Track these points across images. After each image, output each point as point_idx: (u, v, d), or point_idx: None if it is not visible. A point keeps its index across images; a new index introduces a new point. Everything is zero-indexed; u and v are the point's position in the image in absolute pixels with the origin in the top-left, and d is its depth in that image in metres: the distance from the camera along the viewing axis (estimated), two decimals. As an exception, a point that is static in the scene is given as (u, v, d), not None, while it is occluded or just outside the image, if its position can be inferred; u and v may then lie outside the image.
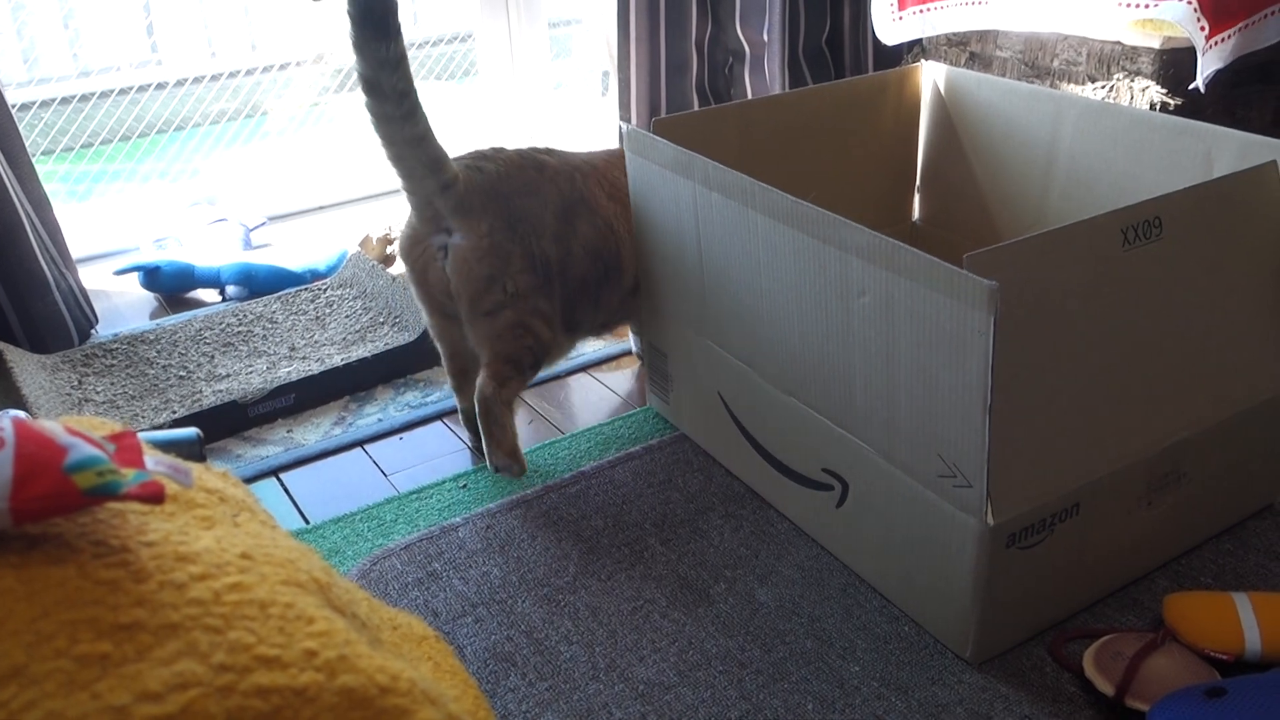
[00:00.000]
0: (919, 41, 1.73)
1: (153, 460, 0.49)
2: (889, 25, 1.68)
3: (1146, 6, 1.34)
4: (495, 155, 1.20)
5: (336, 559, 1.10)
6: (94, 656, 0.41)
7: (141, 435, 0.63)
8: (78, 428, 0.50)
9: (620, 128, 1.23)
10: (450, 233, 1.15)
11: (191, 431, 0.79)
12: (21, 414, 1.18)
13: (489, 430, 1.19)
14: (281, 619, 0.45)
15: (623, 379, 1.43)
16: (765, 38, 2.03)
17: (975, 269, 0.80)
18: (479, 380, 1.19)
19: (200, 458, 0.70)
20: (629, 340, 1.51)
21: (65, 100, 2.70)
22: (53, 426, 0.46)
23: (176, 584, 0.44)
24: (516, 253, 1.16)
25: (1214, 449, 0.98)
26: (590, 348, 1.50)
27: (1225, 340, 0.97)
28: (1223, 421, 0.96)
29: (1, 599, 0.41)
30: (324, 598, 0.52)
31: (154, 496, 0.45)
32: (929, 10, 1.61)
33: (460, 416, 1.32)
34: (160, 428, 1.27)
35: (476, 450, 1.28)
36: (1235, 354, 0.98)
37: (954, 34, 1.65)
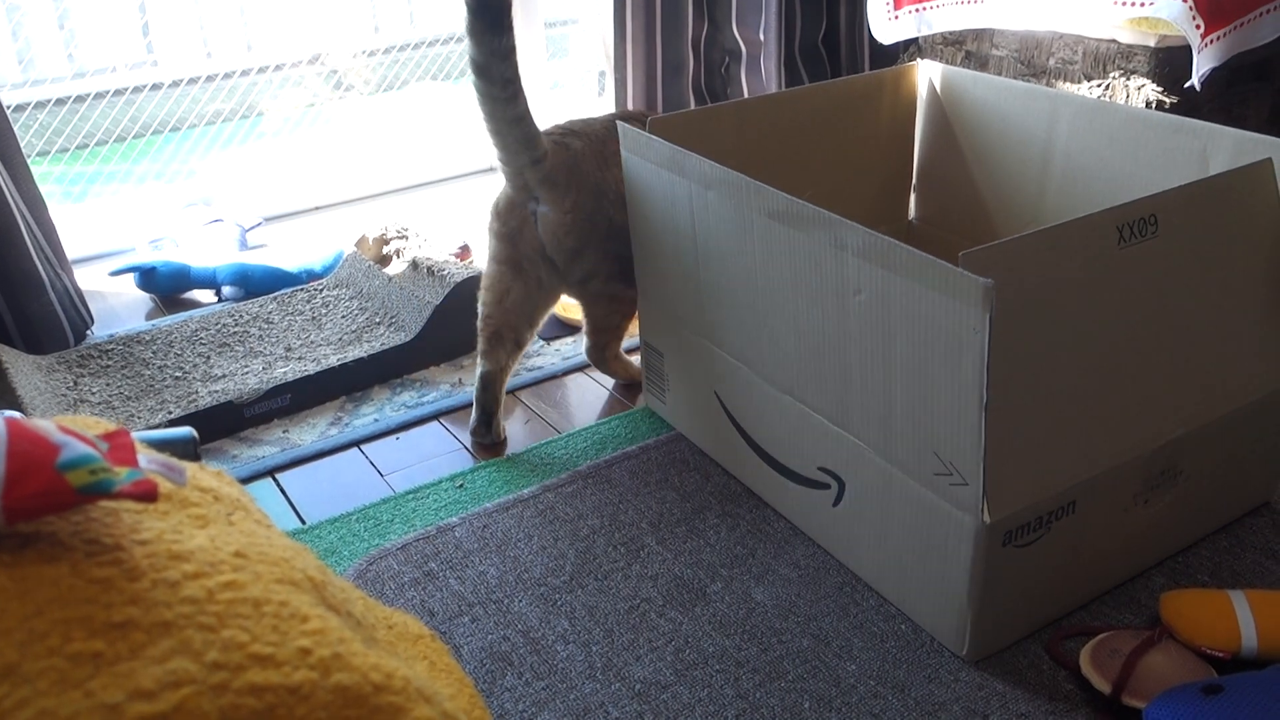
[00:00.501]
0: (915, 40, 1.73)
1: (146, 459, 0.49)
2: (885, 24, 1.68)
3: (1142, 5, 1.34)
4: (584, 130, 1.28)
5: (333, 559, 1.10)
6: (87, 655, 0.41)
7: (136, 435, 0.63)
8: (71, 426, 0.50)
9: (618, 126, 1.22)
10: (539, 202, 1.24)
11: (186, 431, 0.79)
12: (15, 414, 1.18)
13: (614, 374, 1.41)
14: (275, 617, 0.45)
15: (619, 378, 1.43)
16: (761, 37, 2.03)
17: (971, 267, 0.80)
18: (585, 343, 1.38)
19: (195, 457, 0.70)
20: (626, 341, 1.51)
21: (60, 101, 2.69)
22: (46, 425, 0.46)
23: (170, 582, 0.44)
24: (601, 225, 1.25)
25: (1210, 446, 0.98)
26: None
27: (1221, 338, 0.97)
28: (1219, 419, 0.97)
29: (-6, 597, 0.41)
30: (318, 596, 0.52)
31: (147, 495, 0.45)
32: (925, 9, 1.61)
33: (478, 380, 1.30)
34: (156, 428, 1.27)
35: (481, 444, 1.28)
36: (1231, 351, 0.98)
37: (950, 33, 1.65)
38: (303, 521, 1.17)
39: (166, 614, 0.43)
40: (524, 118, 1.19)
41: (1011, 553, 0.88)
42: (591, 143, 1.27)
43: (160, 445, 0.66)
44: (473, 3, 1.10)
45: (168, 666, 0.41)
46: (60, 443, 0.44)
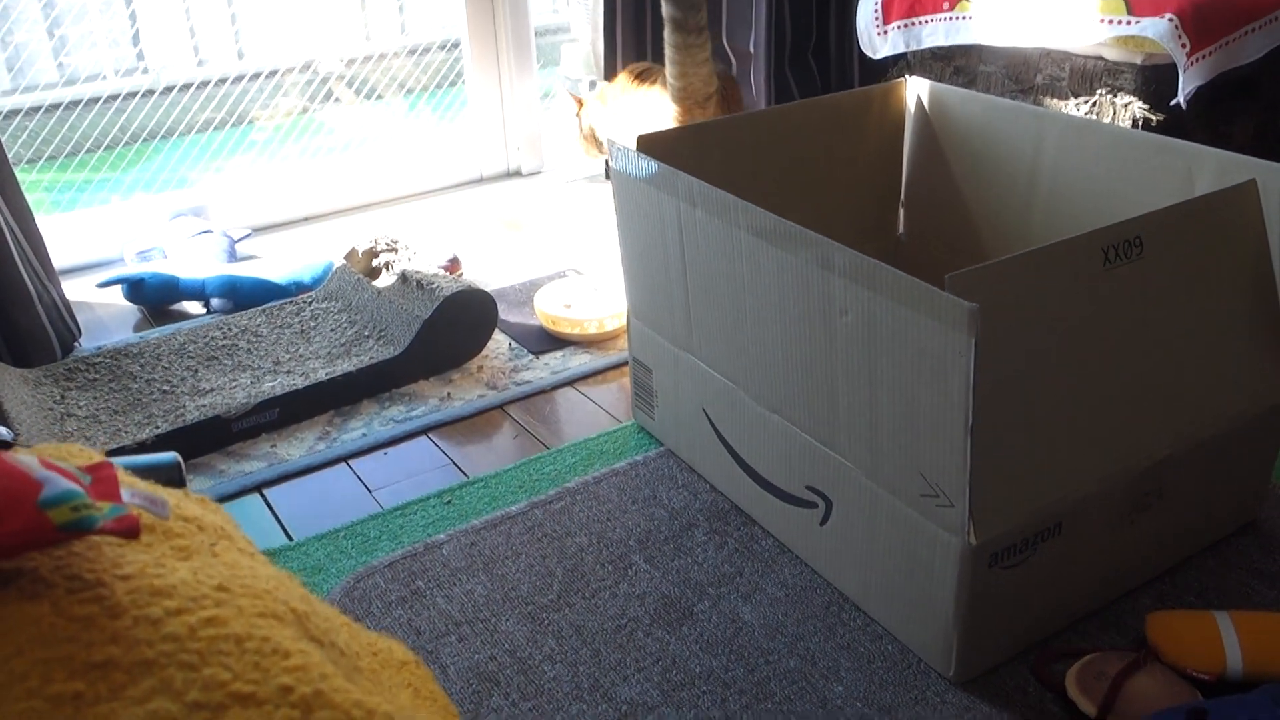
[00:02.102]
0: (904, 55, 1.74)
1: (129, 492, 0.49)
2: (874, 39, 1.68)
3: (1128, 24, 1.35)
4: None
5: (320, 576, 1.10)
6: (67, 695, 0.40)
7: (120, 461, 0.63)
8: (54, 459, 0.50)
9: (607, 143, 1.23)
10: None
11: (170, 456, 0.78)
12: (4, 435, 1.18)
13: None
14: (257, 654, 0.45)
15: (608, 393, 1.43)
16: (751, 49, 2.03)
17: (956, 290, 0.80)
18: None
19: (180, 482, 0.69)
20: (615, 355, 1.51)
21: (51, 108, 2.68)
22: (28, 460, 0.46)
23: (151, 619, 0.44)
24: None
25: (1196, 467, 0.98)
26: (576, 362, 1.50)
27: (1206, 359, 0.97)
28: (1204, 439, 0.97)
29: (-27, 637, 0.41)
30: (301, 629, 0.52)
31: (129, 531, 0.45)
32: (913, 25, 1.62)
33: None
34: (143, 443, 1.27)
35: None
36: (1216, 372, 0.98)
37: (939, 48, 1.66)
38: (290, 538, 1.17)
39: (148, 652, 0.43)
40: (709, 59, 1.51)
41: (997, 574, 0.88)
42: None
43: (144, 471, 0.66)
44: None
45: (149, 707, 0.41)
46: (42, 479, 0.44)
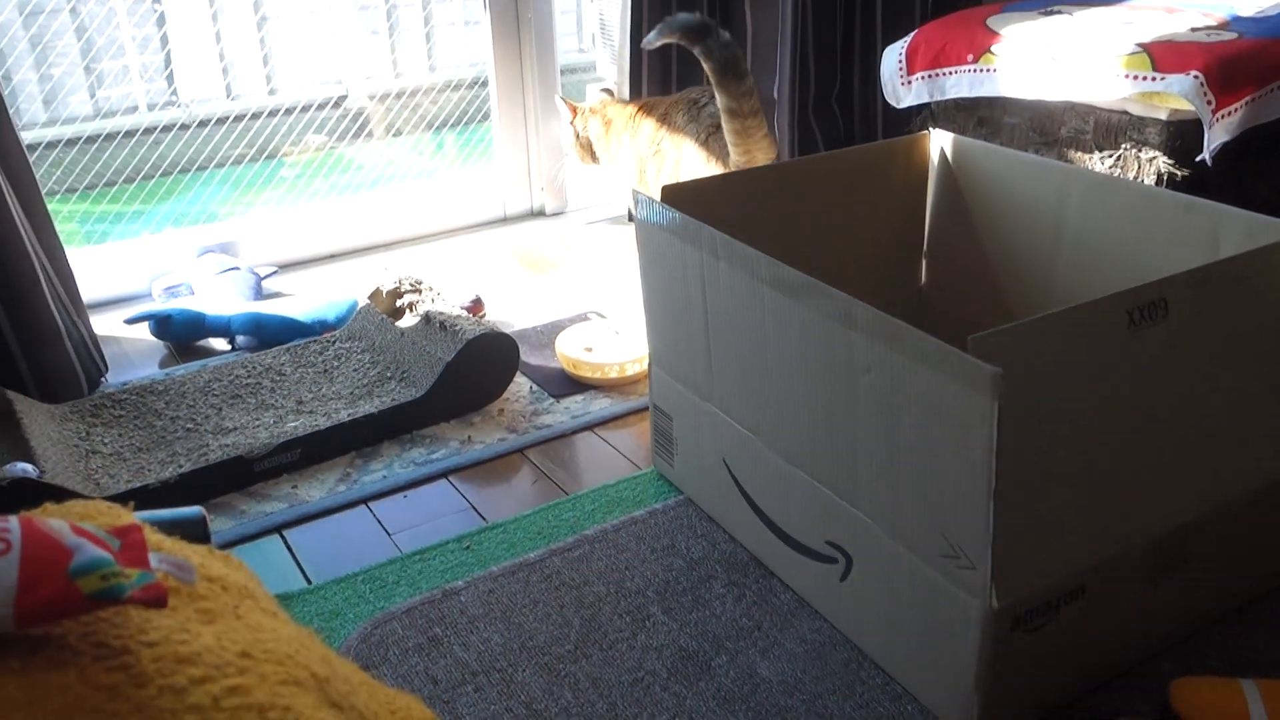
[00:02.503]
0: (928, 105, 1.75)
1: (156, 558, 0.49)
2: (898, 90, 1.69)
3: (1153, 79, 1.36)
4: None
5: (337, 621, 1.10)
6: (91, 766, 0.41)
7: (145, 515, 0.64)
8: (83, 520, 0.51)
9: (631, 194, 1.24)
10: None
11: (196, 511, 0.80)
12: (30, 472, 1.19)
13: None
14: (279, 724, 0.45)
15: (628, 438, 1.44)
16: (775, 95, 2.05)
17: (979, 352, 0.80)
18: None
19: (205, 537, 0.70)
20: (635, 400, 1.51)
21: (84, 140, 2.73)
22: (59, 525, 0.46)
23: (176, 689, 0.45)
24: None
25: (1222, 531, 0.97)
26: (597, 406, 1.50)
27: (1232, 423, 0.97)
28: (1230, 504, 0.96)
29: (2, 707, 0.41)
30: (322, 694, 0.52)
31: (157, 601, 0.45)
32: (937, 76, 1.62)
33: None
34: (166, 482, 1.28)
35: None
36: (1242, 436, 0.98)
37: (963, 99, 1.66)
38: (309, 581, 1.17)
39: (171, 723, 0.43)
40: (768, 131, 1.58)
41: (1020, 637, 0.87)
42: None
43: (170, 525, 0.66)
44: (716, 66, 1.50)
45: (171, 780, 0.41)
46: (73, 546, 0.45)
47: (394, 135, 3.09)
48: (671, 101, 1.78)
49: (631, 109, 1.85)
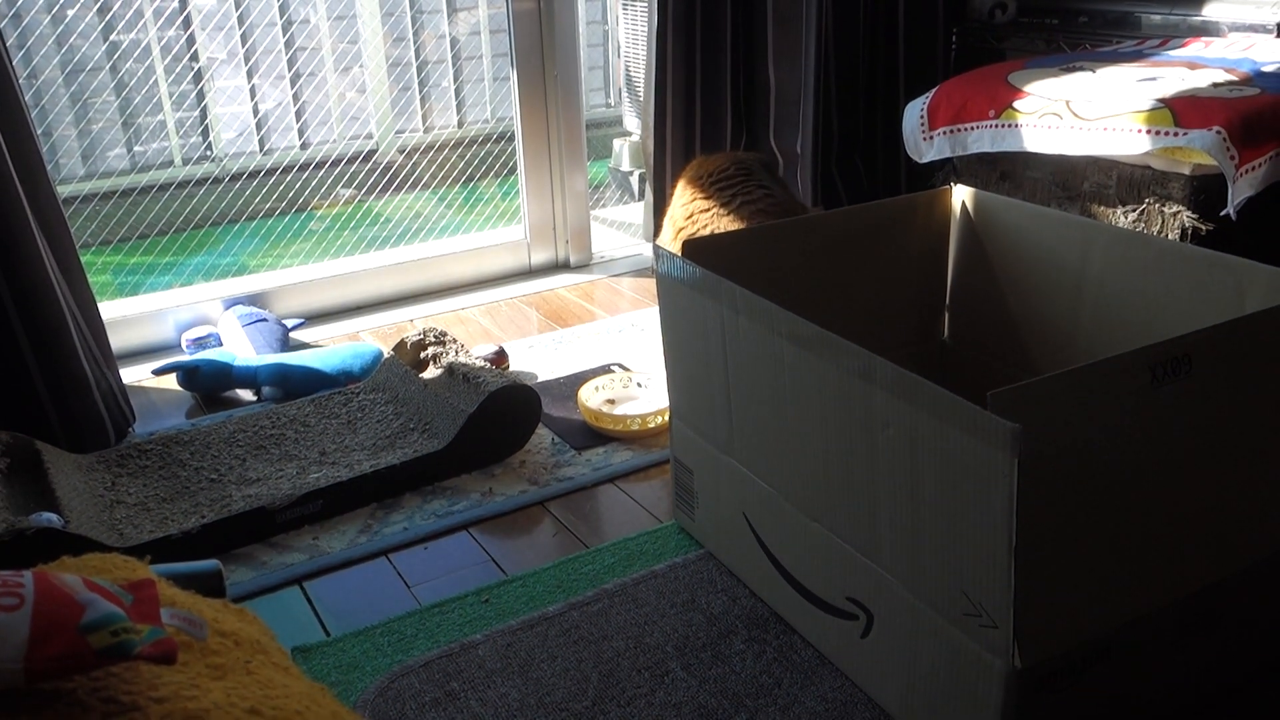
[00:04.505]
0: (950, 159, 1.75)
1: (168, 613, 0.49)
2: (920, 145, 1.70)
3: (1175, 135, 1.36)
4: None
5: (355, 674, 1.10)
6: (96, 825, 0.41)
7: (162, 569, 0.64)
8: (97, 575, 0.51)
9: (653, 248, 1.24)
10: None
11: (213, 564, 0.80)
12: (55, 522, 1.20)
13: None
14: (285, 783, 0.45)
15: (649, 491, 1.43)
16: (799, 150, 2.06)
17: (999, 408, 0.79)
18: None
19: (221, 591, 0.70)
20: (657, 452, 1.51)
21: (120, 193, 2.79)
22: (73, 581, 0.47)
23: (183, 746, 0.45)
24: None
25: (1249, 591, 0.95)
26: (619, 458, 1.50)
27: (1257, 481, 0.95)
28: (1257, 564, 0.94)
29: (9, 763, 0.41)
30: (331, 752, 0.52)
31: (167, 657, 0.45)
32: (959, 131, 1.63)
33: None
34: (188, 532, 1.28)
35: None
36: (1267, 495, 0.96)
37: (985, 153, 1.67)
38: (328, 633, 1.17)
39: (177, 781, 0.43)
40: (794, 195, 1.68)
41: (1044, 699, 0.86)
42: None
43: (186, 579, 0.67)
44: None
45: (174, 840, 0.41)
46: (85, 602, 0.45)
47: (422, 189, 3.14)
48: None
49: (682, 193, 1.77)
